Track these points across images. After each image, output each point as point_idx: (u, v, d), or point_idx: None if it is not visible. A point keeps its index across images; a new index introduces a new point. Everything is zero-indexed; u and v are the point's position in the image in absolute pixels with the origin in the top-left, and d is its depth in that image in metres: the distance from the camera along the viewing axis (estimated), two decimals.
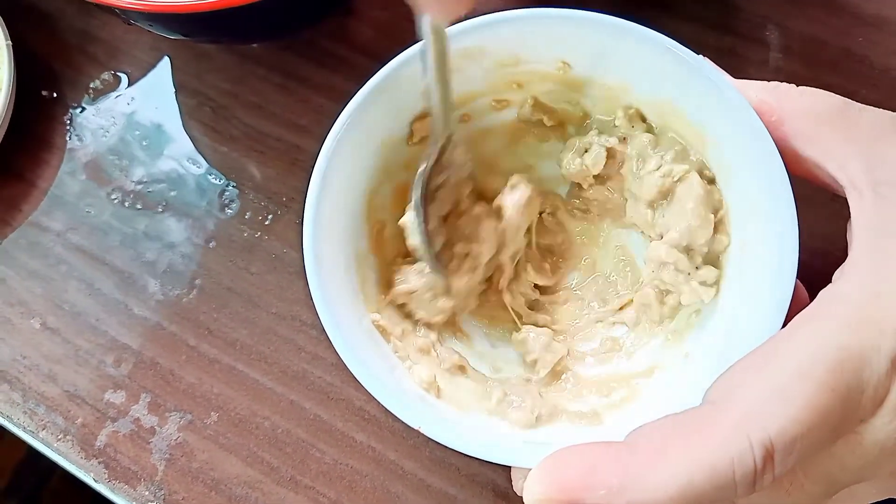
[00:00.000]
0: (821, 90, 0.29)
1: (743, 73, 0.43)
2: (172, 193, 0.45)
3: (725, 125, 0.31)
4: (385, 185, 0.35)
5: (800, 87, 0.29)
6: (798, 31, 0.45)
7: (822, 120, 0.28)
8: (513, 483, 0.30)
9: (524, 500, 0.25)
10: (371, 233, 0.35)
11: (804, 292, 0.30)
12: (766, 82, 0.30)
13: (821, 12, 0.45)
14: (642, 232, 0.36)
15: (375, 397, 0.28)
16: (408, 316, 0.34)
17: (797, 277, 0.29)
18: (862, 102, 0.42)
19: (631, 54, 0.32)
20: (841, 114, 0.28)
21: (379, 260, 0.35)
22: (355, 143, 0.32)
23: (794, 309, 0.26)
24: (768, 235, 0.29)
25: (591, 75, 0.34)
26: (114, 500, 0.39)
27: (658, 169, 0.33)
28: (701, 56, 0.31)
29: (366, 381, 0.28)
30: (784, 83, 0.29)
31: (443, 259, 0.34)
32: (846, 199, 0.27)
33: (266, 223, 0.44)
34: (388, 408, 0.28)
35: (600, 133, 0.36)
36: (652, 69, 0.32)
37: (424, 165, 0.32)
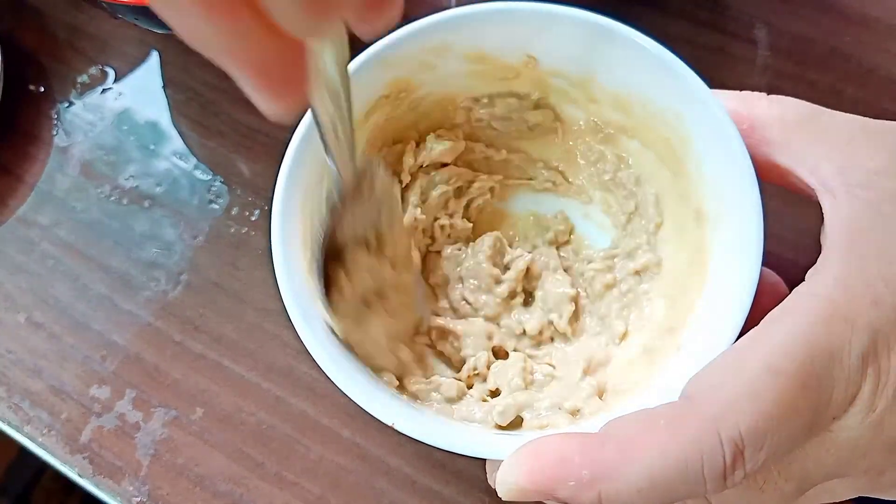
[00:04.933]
0: (790, 98, 0.29)
1: (731, 71, 0.44)
2: (159, 189, 0.45)
3: (693, 118, 0.31)
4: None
5: (770, 96, 0.29)
6: (786, 29, 0.45)
7: (792, 126, 0.28)
8: (487, 476, 0.30)
9: (497, 491, 0.25)
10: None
11: (784, 288, 0.30)
12: (735, 91, 0.30)
13: (809, 11, 0.45)
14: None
15: (347, 394, 0.28)
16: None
17: (778, 275, 0.29)
18: (849, 101, 0.43)
19: (595, 47, 0.32)
20: (811, 120, 0.28)
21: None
22: (318, 144, 0.32)
23: (773, 305, 0.26)
24: (734, 234, 0.29)
25: (557, 68, 0.34)
26: (98, 495, 0.39)
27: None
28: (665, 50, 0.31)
29: (338, 379, 0.28)
30: (754, 92, 0.30)
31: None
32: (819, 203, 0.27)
33: (253, 219, 0.44)
34: (361, 405, 0.28)
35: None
36: (619, 62, 0.32)
37: (330, 208, 0.30)
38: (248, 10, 0.18)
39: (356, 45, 0.32)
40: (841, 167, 0.26)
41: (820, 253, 0.26)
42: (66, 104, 0.47)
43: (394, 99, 0.34)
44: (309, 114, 0.32)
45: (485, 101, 0.37)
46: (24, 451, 0.41)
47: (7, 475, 0.88)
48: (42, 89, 0.47)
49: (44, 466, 0.78)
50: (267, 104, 0.20)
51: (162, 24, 0.41)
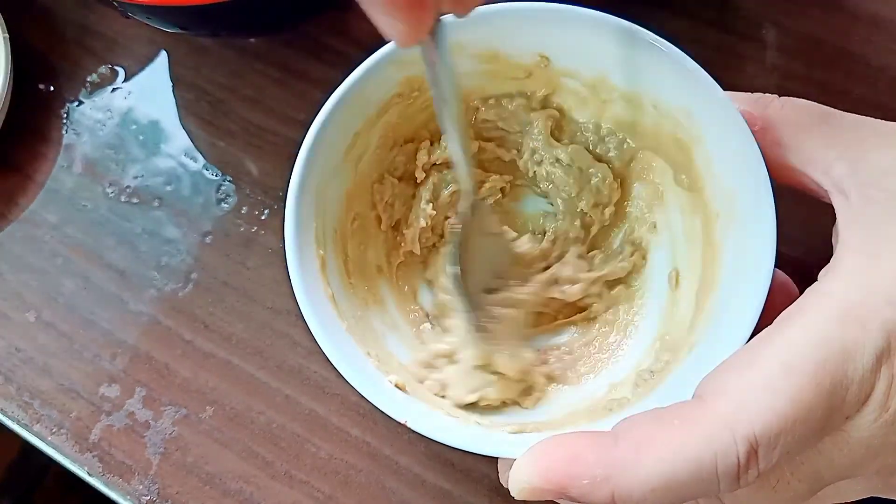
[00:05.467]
0: (802, 99, 0.29)
1: (740, 72, 0.44)
2: (169, 188, 0.45)
3: (705, 118, 0.31)
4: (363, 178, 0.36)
5: (781, 98, 0.29)
6: (795, 29, 0.45)
7: (804, 128, 0.28)
8: (499, 475, 0.30)
9: (509, 490, 0.25)
10: (349, 227, 0.35)
11: (793, 287, 0.30)
12: (748, 94, 0.30)
13: (818, 11, 0.45)
14: None
15: (361, 392, 0.28)
16: None
17: (788, 274, 0.29)
18: (859, 101, 0.43)
19: (609, 47, 0.32)
20: (822, 121, 0.28)
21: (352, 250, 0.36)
22: (330, 144, 0.33)
23: (785, 305, 0.26)
24: (747, 234, 0.29)
25: (570, 68, 0.34)
26: (108, 493, 0.39)
27: None
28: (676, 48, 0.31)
29: (351, 378, 0.28)
30: (766, 94, 0.30)
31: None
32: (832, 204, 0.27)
33: (262, 218, 0.44)
34: (374, 402, 0.28)
35: None
36: (633, 62, 0.32)
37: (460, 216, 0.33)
38: None
39: (371, 48, 0.32)
40: (853, 168, 0.26)
41: (830, 252, 0.27)
42: (76, 103, 0.47)
43: (406, 98, 0.35)
44: (320, 115, 0.32)
45: (492, 101, 0.37)
46: (25, 451, 0.41)
47: (8, 475, 0.88)
48: (51, 88, 0.48)
49: (46, 467, 0.78)
50: (392, 26, 0.23)
51: (173, 24, 0.41)
